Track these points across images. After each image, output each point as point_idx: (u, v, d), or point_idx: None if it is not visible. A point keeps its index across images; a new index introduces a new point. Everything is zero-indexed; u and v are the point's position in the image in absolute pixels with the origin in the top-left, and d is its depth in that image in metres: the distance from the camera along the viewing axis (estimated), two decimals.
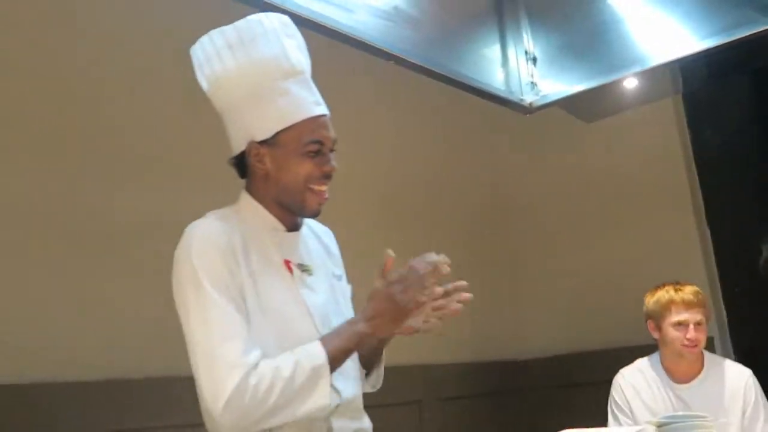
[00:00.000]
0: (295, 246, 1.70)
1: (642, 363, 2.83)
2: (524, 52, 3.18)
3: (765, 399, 2.67)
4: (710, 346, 3.26)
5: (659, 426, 2.12)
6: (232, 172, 1.73)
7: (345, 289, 1.83)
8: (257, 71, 1.63)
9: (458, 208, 3.92)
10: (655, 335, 2.75)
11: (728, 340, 3.63)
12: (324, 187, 1.65)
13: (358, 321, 1.57)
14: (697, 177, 3.88)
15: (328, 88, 3.10)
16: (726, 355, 3.21)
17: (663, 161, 3.89)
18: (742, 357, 3.27)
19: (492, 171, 4.25)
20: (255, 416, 1.45)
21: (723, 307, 3.68)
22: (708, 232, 3.78)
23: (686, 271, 3.50)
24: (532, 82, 3.14)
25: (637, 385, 2.77)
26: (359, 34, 2.38)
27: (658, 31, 3.03)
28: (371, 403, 2.79)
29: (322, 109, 1.67)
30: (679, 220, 3.80)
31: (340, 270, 1.85)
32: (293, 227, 1.72)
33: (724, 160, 4.16)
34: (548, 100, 3.12)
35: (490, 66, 3.09)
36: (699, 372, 2.70)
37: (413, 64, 2.58)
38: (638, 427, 2.10)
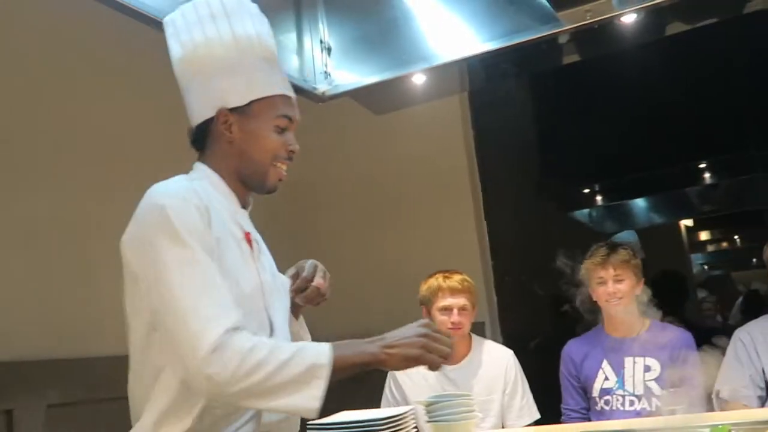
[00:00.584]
0: (248, 223, 1.71)
1: None
2: (319, 41, 3.22)
3: (524, 377, 2.91)
4: (481, 330, 3.49)
5: (427, 405, 2.25)
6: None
7: (284, 279, 1.82)
8: (237, 45, 1.65)
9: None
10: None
11: (497, 324, 3.90)
12: (285, 166, 1.69)
13: (373, 342, 1.50)
14: (477, 173, 4.10)
15: (115, 62, 2.99)
16: (494, 339, 3.44)
17: (448, 156, 4.07)
18: (508, 340, 3.52)
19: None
20: (235, 383, 1.37)
21: (494, 294, 3.94)
22: (485, 225, 4.02)
23: (464, 260, 3.71)
24: (325, 72, 3.19)
25: (409, 370, 2.91)
26: (146, 9, 2.30)
27: (446, 30, 3.17)
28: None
29: (292, 93, 1.72)
30: (460, 212, 4.00)
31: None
32: (244, 205, 1.71)
33: (503, 158, 4.45)
34: (340, 90, 3.19)
35: (286, 53, 3.10)
36: (466, 354, 2.89)
37: None
38: (409, 407, 2.21)
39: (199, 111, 1.67)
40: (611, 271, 2.85)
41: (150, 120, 3.16)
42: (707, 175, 6.24)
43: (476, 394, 2.61)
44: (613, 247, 2.92)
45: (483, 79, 4.25)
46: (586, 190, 6.51)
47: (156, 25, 2.17)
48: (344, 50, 3.23)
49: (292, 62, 3.12)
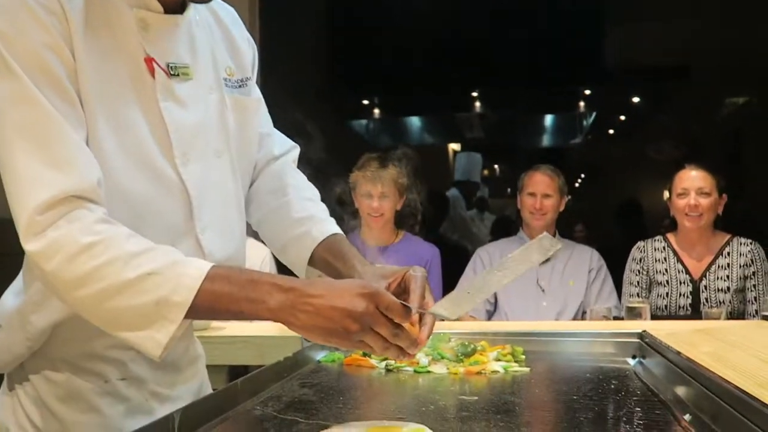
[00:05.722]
0: (170, 36, 1.20)
1: None
2: None
3: None
4: None
5: None
6: None
7: (250, 101, 1.34)
8: None
9: None
10: None
11: None
12: None
13: (271, 294, 1.01)
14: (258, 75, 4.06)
15: None
16: None
17: None
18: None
19: None
20: (63, 288, 1.01)
21: None
22: None
23: None
24: None
25: None
26: None
27: None
28: None
29: None
30: None
31: (245, 71, 1.34)
32: (174, 8, 1.20)
33: (288, 61, 4.42)
34: None
35: None
36: None
37: None
38: None
39: None
40: (378, 188, 2.95)
41: None
42: (478, 104, 6.62)
43: None
44: (384, 163, 3.02)
45: None
46: (366, 102, 6.66)
47: None
48: None
49: None
